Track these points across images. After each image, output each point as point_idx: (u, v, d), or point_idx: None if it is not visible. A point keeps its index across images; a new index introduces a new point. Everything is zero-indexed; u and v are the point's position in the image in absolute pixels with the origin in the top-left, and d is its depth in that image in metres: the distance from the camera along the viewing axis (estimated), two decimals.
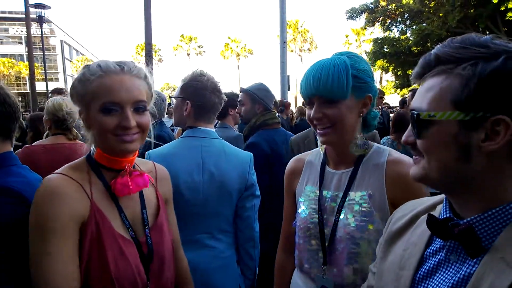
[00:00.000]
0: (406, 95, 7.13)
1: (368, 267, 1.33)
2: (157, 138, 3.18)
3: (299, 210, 1.53)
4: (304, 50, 63.80)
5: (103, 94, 1.20)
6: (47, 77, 25.79)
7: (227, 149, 2.02)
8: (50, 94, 4.95)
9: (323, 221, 1.44)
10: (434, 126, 0.79)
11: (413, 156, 0.89)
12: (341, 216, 1.40)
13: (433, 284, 0.86)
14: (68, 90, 1.30)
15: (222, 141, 2.06)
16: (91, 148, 1.31)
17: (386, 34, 25.00)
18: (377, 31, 26.78)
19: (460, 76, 0.75)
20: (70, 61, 64.97)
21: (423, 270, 0.90)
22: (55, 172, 1.22)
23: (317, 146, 1.60)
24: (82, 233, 1.17)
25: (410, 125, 0.86)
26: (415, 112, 0.82)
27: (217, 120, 3.60)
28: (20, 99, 1.43)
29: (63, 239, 1.12)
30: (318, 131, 1.41)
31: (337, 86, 1.31)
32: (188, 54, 68.41)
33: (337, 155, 1.50)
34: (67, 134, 2.81)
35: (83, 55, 70.50)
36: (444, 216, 0.88)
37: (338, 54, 1.41)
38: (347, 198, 1.41)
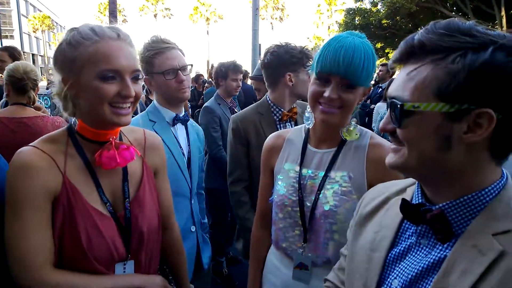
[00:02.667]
0: (378, 69, 7.11)
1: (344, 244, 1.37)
2: None
3: (277, 187, 1.53)
4: (276, 18, 62.82)
5: (101, 61, 1.14)
6: (2, 34, 24.02)
7: None
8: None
9: (303, 199, 1.45)
10: (416, 116, 0.78)
11: (391, 144, 0.88)
12: (321, 195, 1.41)
13: (402, 267, 0.88)
14: (52, 54, 1.21)
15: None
16: (73, 119, 1.25)
17: (358, 5, 24.90)
18: (349, 1, 26.69)
19: (448, 68, 0.73)
20: (26, 17, 60.72)
21: (394, 252, 0.91)
22: (28, 145, 1.19)
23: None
24: (54, 208, 1.16)
25: (388, 112, 0.84)
26: (398, 102, 0.79)
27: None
28: None
29: (34, 212, 1.12)
30: (320, 107, 1.37)
31: (365, 73, 1.29)
32: (155, 16, 65.65)
33: (324, 135, 1.48)
34: (25, 100, 2.58)
35: (40, 11, 66.03)
36: (417, 202, 0.89)
37: (356, 36, 1.34)
38: (328, 177, 1.43)
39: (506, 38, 0.72)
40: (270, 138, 1.67)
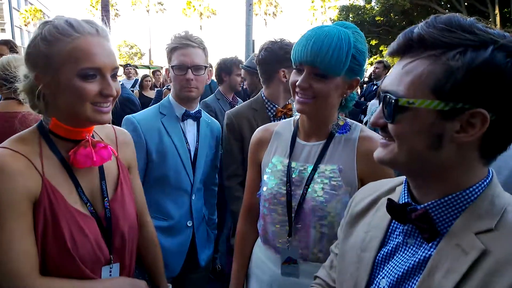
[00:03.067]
0: (374, 67, 7.06)
1: (333, 239, 1.36)
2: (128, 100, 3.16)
3: (266, 181, 1.51)
4: (269, 14, 62.57)
5: (82, 59, 1.08)
6: None
7: None
8: None
9: (291, 192, 1.44)
10: (410, 113, 0.76)
11: (381, 139, 0.87)
12: (310, 188, 1.40)
13: (390, 266, 0.88)
14: (25, 48, 1.15)
15: None
16: (42, 117, 1.20)
17: (352, 2, 24.93)
18: None
19: (446, 64, 0.71)
20: (18, 11, 59.86)
21: (383, 252, 0.92)
22: None
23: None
24: (35, 211, 1.10)
25: (380, 106, 0.83)
26: (392, 97, 0.77)
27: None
28: None
29: (15, 216, 1.06)
30: (297, 97, 1.38)
31: (335, 63, 1.26)
32: (148, 11, 65.04)
33: (311, 127, 1.48)
34: (17, 97, 2.53)
35: (32, 5, 65.11)
36: (403, 201, 0.89)
37: (341, 25, 1.32)
38: (317, 171, 1.41)
39: (506, 38, 0.71)
40: (258, 132, 1.66)
